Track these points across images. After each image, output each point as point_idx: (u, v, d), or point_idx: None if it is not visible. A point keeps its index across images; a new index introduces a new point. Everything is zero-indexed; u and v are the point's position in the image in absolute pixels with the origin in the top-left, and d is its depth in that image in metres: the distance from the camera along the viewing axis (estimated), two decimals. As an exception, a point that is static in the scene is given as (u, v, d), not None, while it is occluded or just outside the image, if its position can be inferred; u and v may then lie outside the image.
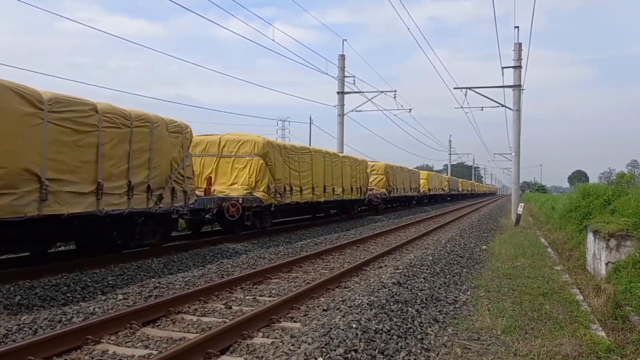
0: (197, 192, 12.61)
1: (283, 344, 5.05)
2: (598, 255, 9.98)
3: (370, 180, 28.08)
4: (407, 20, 53.57)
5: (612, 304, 7.55)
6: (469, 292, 8.52)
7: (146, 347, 5.57)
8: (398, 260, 11.07)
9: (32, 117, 7.73)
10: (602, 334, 6.19)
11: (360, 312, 6.04)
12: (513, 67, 26.07)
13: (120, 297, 7.54)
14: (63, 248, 11.86)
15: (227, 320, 6.40)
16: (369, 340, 5.23)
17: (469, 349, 5.60)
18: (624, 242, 9.13)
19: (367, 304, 6.40)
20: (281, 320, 6.60)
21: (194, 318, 6.66)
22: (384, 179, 29.92)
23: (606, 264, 9.31)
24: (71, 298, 7.44)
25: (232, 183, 15.04)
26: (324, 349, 4.77)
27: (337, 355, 4.73)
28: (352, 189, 23.04)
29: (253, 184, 14.92)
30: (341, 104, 30.33)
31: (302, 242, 14.58)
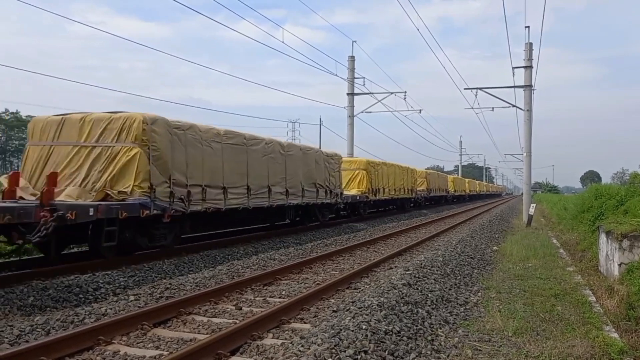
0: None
1: (293, 345, 5.05)
2: (611, 256, 9.88)
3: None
4: (416, 20, 53.40)
5: (625, 306, 7.48)
6: (479, 294, 8.47)
7: (157, 347, 5.61)
8: (408, 262, 11.04)
9: None
10: (615, 335, 6.13)
11: (370, 313, 6.04)
12: (524, 67, 25.88)
13: (131, 298, 7.60)
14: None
15: (238, 321, 6.43)
16: (378, 342, 5.22)
17: (480, 350, 5.57)
18: (637, 243, 9.04)
19: (377, 305, 6.39)
20: (291, 321, 6.62)
21: (205, 319, 6.70)
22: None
23: (619, 265, 9.22)
24: (83, 299, 7.50)
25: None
26: (333, 350, 4.77)
27: (346, 356, 4.73)
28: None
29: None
30: (351, 105, 30.32)
31: (312, 244, 14.59)
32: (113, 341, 5.68)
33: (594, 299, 8.05)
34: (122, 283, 8.40)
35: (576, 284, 9.20)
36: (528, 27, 26.15)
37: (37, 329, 5.94)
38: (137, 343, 5.73)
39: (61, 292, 7.54)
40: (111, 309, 6.91)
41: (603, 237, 10.83)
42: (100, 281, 8.26)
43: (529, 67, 25.74)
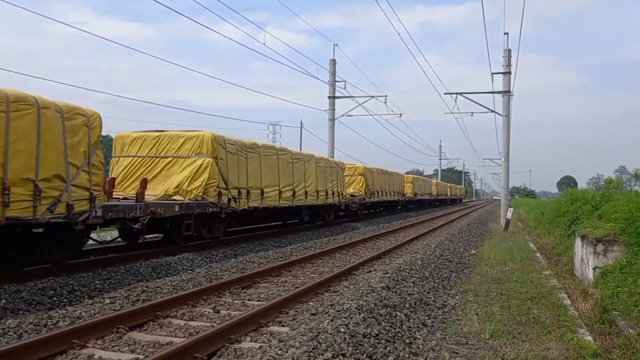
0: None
1: (271, 348, 5.03)
2: (586, 260, 10.05)
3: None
4: (397, 26, 53.74)
5: (599, 309, 7.60)
6: (457, 297, 8.53)
7: (133, 351, 5.52)
8: (387, 265, 11.08)
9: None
10: (589, 338, 6.22)
11: (349, 316, 6.03)
12: (502, 73, 26.24)
13: (107, 301, 7.47)
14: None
15: (215, 325, 6.36)
16: (357, 345, 5.22)
17: (457, 353, 5.60)
18: (611, 247, 9.20)
19: (356, 308, 6.39)
20: (269, 324, 6.58)
21: (182, 322, 6.62)
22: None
23: (594, 269, 9.37)
24: (57, 302, 7.36)
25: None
26: (311, 353, 4.76)
27: (324, 359, 4.72)
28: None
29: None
30: (332, 109, 30.37)
31: (291, 247, 14.54)
32: (87, 345, 5.58)
33: (569, 302, 8.17)
34: (97, 286, 8.27)
35: (552, 287, 9.32)
36: (507, 33, 26.47)
37: (9, 333, 5.81)
38: (112, 347, 5.64)
39: (35, 294, 7.40)
40: (86, 312, 6.79)
41: (578, 242, 11.00)
42: (75, 284, 8.13)
43: (507, 73, 26.10)
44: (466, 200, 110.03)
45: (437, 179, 74.83)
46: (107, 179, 10.46)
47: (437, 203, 56.42)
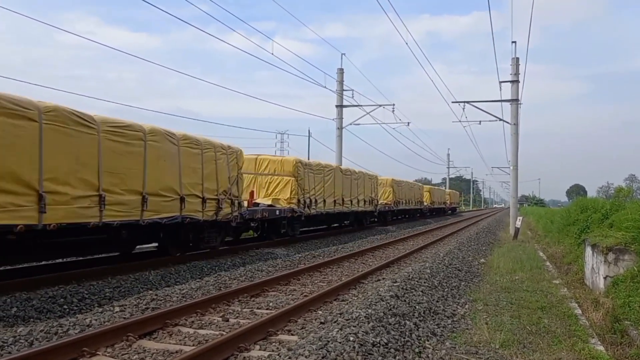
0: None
1: (280, 357, 5.02)
2: (596, 269, 9.97)
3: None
4: (405, 35, 53.78)
5: (610, 318, 7.53)
6: (467, 306, 8.49)
7: (142, 359, 5.54)
8: (396, 273, 11.04)
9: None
10: (601, 348, 6.17)
11: (358, 325, 6.02)
12: (510, 81, 26.18)
13: (117, 309, 7.51)
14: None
15: (224, 333, 6.37)
16: (366, 354, 5.20)
17: (467, 362, 5.56)
18: (622, 256, 9.13)
19: (365, 317, 6.37)
20: (278, 333, 6.58)
21: (191, 330, 6.63)
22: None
23: (604, 278, 9.29)
24: (68, 310, 7.41)
25: None
26: (321, 362, 4.75)
27: (334, 368, 4.71)
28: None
29: None
30: (340, 118, 30.43)
31: (300, 255, 14.54)
32: (97, 353, 5.61)
33: (580, 311, 8.10)
34: (107, 294, 8.31)
35: (562, 296, 9.25)
36: (515, 42, 26.49)
37: (20, 340, 5.84)
38: (122, 355, 5.66)
39: (45, 302, 7.45)
40: (96, 320, 6.82)
41: (589, 251, 10.92)
42: (85, 292, 8.18)
43: (515, 82, 26.04)
44: (470, 209, 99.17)
45: (446, 188, 74.50)
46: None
47: (402, 216, 38.62)
